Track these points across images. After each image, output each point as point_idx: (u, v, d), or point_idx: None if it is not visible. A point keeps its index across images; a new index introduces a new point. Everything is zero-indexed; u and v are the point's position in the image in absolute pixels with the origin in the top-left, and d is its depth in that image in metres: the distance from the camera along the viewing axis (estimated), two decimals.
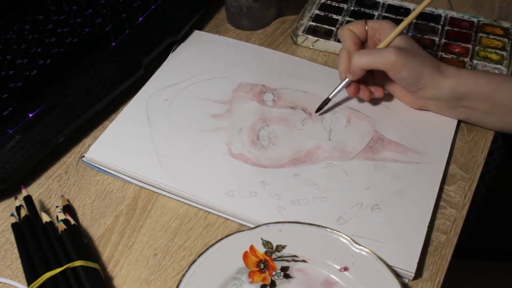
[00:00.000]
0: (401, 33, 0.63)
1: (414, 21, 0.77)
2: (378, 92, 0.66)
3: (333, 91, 0.65)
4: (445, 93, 0.62)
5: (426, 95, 0.63)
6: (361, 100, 0.68)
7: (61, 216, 0.54)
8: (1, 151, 0.60)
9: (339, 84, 0.65)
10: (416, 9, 0.63)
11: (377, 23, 0.65)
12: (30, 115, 0.63)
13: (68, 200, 0.59)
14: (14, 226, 0.54)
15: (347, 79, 0.64)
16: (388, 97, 0.68)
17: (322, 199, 0.58)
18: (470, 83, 0.61)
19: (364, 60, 0.62)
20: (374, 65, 0.62)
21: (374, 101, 0.67)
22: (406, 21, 0.63)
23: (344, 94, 0.68)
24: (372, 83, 0.66)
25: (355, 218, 0.56)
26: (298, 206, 0.57)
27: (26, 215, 0.55)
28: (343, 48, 0.65)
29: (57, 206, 0.57)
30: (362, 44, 0.66)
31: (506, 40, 0.74)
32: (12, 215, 0.56)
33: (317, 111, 0.66)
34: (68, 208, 0.57)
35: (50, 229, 0.54)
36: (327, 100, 0.65)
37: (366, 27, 0.65)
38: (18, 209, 0.55)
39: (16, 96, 0.65)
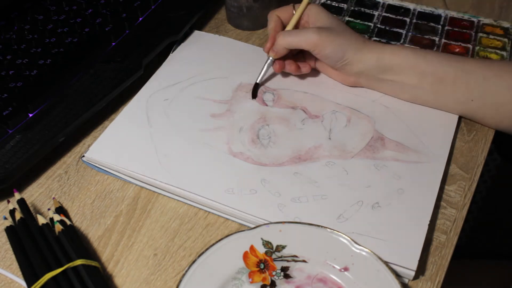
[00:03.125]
0: (324, 12, 0.66)
1: (414, 21, 0.77)
2: (305, 68, 0.68)
3: (259, 73, 0.68)
4: (371, 65, 0.63)
5: (353, 70, 0.64)
6: (359, 100, 0.67)
7: (57, 217, 0.55)
8: (1, 151, 0.60)
9: (264, 64, 0.68)
10: None
11: (304, 8, 0.67)
12: (30, 115, 0.63)
13: (59, 202, 0.59)
14: (9, 229, 0.54)
15: (270, 59, 0.67)
16: (388, 96, 0.68)
17: (323, 196, 0.58)
18: (395, 55, 0.62)
19: (287, 40, 0.65)
20: (298, 44, 0.64)
21: (374, 101, 0.67)
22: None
23: (344, 94, 0.68)
24: (301, 61, 0.69)
25: (356, 216, 0.56)
26: (298, 203, 0.57)
27: (21, 217, 0.55)
28: (271, 26, 0.68)
29: (49, 209, 0.57)
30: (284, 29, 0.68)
31: (506, 40, 0.74)
32: (4, 218, 0.55)
33: (252, 98, 0.68)
34: (60, 210, 0.57)
35: (47, 231, 0.54)
36: (256, 85, 0.68)
37: (294, 11, 0.67)
38: (12, 212, 0.55)
39: (16, 96, 0.65)
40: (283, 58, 0.68)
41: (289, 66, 0.68)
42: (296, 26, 0.68)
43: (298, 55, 0.69)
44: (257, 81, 0.68)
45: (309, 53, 0.67)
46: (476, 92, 0.62)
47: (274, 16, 0.68)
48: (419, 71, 0.62)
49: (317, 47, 0.63)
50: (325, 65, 0.68)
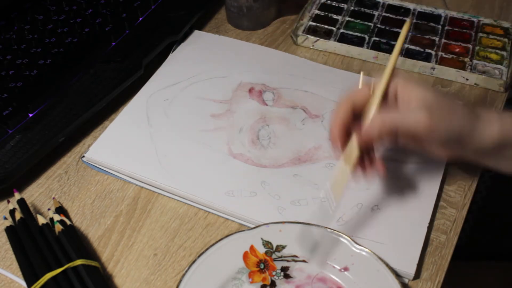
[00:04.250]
0: (416, 85, 0.51)
1: (414, 21, 0.77)
2: (380, 166, 0.53)
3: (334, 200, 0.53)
4: (491, 142, 0.50)
5: (468, 149, 0.51)
6: None
7: (57, 217, 0.55)
8: (1, 151, 0.60)
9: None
10: (396, 48, 0.53)
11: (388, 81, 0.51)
12: (30, 115, 0.63)
13: (59, 202, 0.59)
14: (9, 229, 0.54)
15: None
16: None
17: (322, 199, 0.58)
18: None
19: (392, 122, 0.49)
20: (403, 128, 0.49)
21: None
22: (392, 59, 0.52)
23: (341, 92, 0.68)
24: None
25: (355, 218, 0.56)
26: (298, 206, 0.57)
27: (21, 217, 0.55)
28: (336, 123, 0.52)
29: (49, 209, 0.57)
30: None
31: (506, 40, 0.74)
32: (4, 218, 0.56)
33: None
34: (60, 210, 0.57)
35: (47, 231, 0.54)
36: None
37: (371, 91, 0.52)
38: (12, 212, 0.55)
39: (16, 96, 0.65)
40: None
41: (380, 165, 0.53)
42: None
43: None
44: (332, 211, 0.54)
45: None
46: None
47: (347, 105, 0.51)
48: None
49: (428, 129, 0.49)
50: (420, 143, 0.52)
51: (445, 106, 0.50)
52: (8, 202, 0.57)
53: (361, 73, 0.54)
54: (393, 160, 0.61)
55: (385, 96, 0.51)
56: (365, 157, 0.52)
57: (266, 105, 0.68)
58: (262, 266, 0.53)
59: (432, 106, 0.49)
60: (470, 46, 0.74)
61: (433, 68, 0.71)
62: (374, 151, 0.53)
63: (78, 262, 0.51)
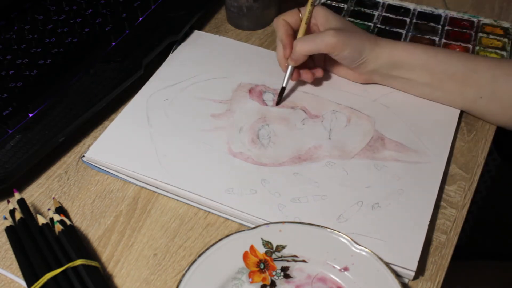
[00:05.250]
0: (332, 14, 0.66)
1: (414, 21, 0.77)
2: (318, 72, 0.68)
3: (284, 80, 0.67)
4: (383, 62, 0.64)
5: (368, 68, 0.65)
6: (359, 100, 0.67)
7: (57, 217, 0.55)
8: (1, 151, 0.60)
9: (286, 73, 0.67)
10: None
11: (311, 10, 0.67)
12: (30, 115, 0.63)
13: (59, 202, 0.59)
14: (9, 229, 0.54)
15: (290, 66, 0.67)
16: (388, 96, 0.68)
17: (323, 197, 0.58)
18: (406, 52, 0.63)
19: (306, 47, 0.64)
20: (317, 49, 0.64)
21: (374, 101, 0.67)
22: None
23: (344, 93, 0.68)
24: (311, 66, 0.69)
25: (356, 216, 0.56)
26: (298, 203, 0.57)
27: (21, 217, 0.55)
28: (277, 38, 0.67)
29: (49, 209, 0.57)
30: (295, 33, 0.67)
31: (506, 40, 0.74)
32: (4, 218, 0.56)
33: (277, 103, 0.67)
34: (60, 210, 0.57)
35: (47, 231, 0.54)
36: (283, 89, 0.67)
37: (300, 15, 0.67)
38: (12, 212, 0.55)
39: (16, 96, 0.65)
40: (298, 66, 0.67)
41: (306, 74, 0.68)
42: (307, 31, 0.67)
43: (307, 61, 0.68)
44: (283, 85, 0.67)
45: (318, 57, 0.68)
46: (485, 91, 0.62)
47: (281, 21, 0.67)
48: (429, 69, 0.63)
49: (336, 49, 0.63)
50: (337, 65, 0.68)
51: (349, 31, 0.65)
52: (8, 202, 0.57)
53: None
54: (394, 160, 0.61)
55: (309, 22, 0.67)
56: (307, 65, 0.68)
57: (266, 105, 0.68)
58: (262, 266, 0.53)
59: (340, 30, 0.64)
60: (470, 46, 0.74)
61: None
62: (308, 62, 0.68)
63: (78, 262, 0.51)
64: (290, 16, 0.67)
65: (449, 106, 0.66)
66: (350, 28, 0.65)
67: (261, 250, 0.54)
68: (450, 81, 0.63)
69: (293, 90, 0.69)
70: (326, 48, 0.64)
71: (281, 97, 0.67)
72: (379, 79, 0.67)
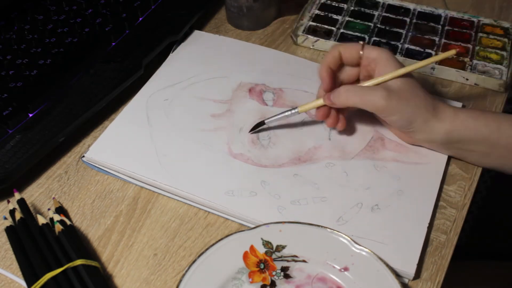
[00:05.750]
0: (395, 63, 0.59)
1: (414, 21, 0.77)
2: (341, 124, 0.62)
3: (273, 117, 0.63)
4: (439, 137, 0.59)
5: (417, 137, 0.60)
6: None
7: (57, 217, 0.55)
8: (1, 151, 0.60)
9: (285, 112, 0.62)
10: (426, 60, 0.60)
11: (375, 51, 0.60)
12: (30, 115, 0.63)
13: (59, 202, 0.59)
14: (9, 229, 0.54)
15: (296, 110, 0.62)
16: None
17: (322, 199, 0.58)
18: (467, 127, 0.58)
19: (352, 99, 0.59)
20: (363, 106, 0.59)
21: None
22: (410, 67, 0.59)
23: None
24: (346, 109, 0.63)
25: (355, 218, 0.56)
26: (298, 206, 0.57)
27: (21, 217, 0.55)
28: (324, 64, 0.61)
29: (49, 209, 0.57)
30: (353, 68, 0.62)
31: (506, 40, 0.74)
32: (4, 218, 0.56)
33: (251, 131, 0.64)
34: (60, 210, 0.57)
35: (47, 231, 0.54)
36: (261, 123, 0.63)
37: (361, 52, 0.60)
38: (12, 212, 0.55)
39: (16, 96, 0.65)
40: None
41: (332, 119, 0.62)
42: (357, 64, 0.61)
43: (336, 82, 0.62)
44: (265, 121, 0.63)
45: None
46: None
47: (336, 52, 0.60)
48: (490, 143, 0.58)
49: (383, 113, 0.58)
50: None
51: (405, 94, 0.58)
52: (8, 202, 0.57)
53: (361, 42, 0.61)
54: (394, 161, 0.61)
55: (365, 59, 0.60)
56: (332, 109, 0.62)
57: (266, 105, 0.68)
58: (262, 266, 0.53)
59: (393, 90, 0.57)
60: (470, 46, 0.74)
61: (433, 68, 0.71)
62: (339, 111, 0.62)
63: (78, 262, 0.51)
64: (349, 49, 0.60)
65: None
66: (409, 90, 0.58)
67: (261, 250, 0.54)
68: (511, 154, 0.58)
69: (293, 89, 0.69)
70: (373, 109, 0.58)
71: (255, 129, 0.64)
72: (429, 146, 0.61)
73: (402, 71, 0.58)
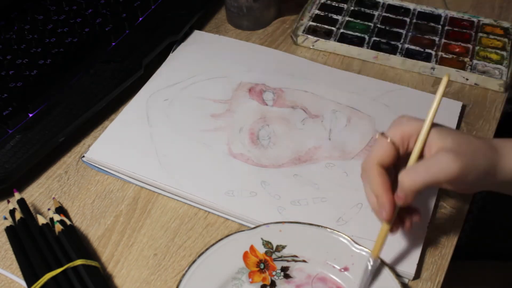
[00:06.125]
0: (432, 126, 0.49)
1: (414, 21, 0.77)
2: (416, 217, 0.51)
3: (362, 283, 0.51)
4: (508, 177, 0.49)
5: (492, 183, 0.50)
6: (360, 99, 0.67)
7: (57, 217, 0.55)
8: (1, 151, 0.60)
9: (367, 273, 0.51)
10: (436, 98, 0.50)
11: (397, 130, 0.49)
12: (30, 115, 0.63)
13: (59, 202, 0.59)
14: (9, 229, 0.54)
15: (371, 263, 0.51)
16: (388, 95, 0.67)
17: (322, 199, 0.58)
18: None
19: (420, 180, 0.47)
20: (434, 182, 0.47)
21: (375, 100, 0.67)
22: (431, 113, 0.49)
23: (344, 93, 0.68)
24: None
25: (355, 218, 0.56)
26: (298, 206, 0.57)
27: (21, 217, 0.55)
28: (369, 188, 0.50)
29: (49, 209, 0.57)
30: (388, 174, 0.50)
31: (506, 40, 0.74)
32: (4, 218, 0.56)
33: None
34: (60, 210, 0.57)
35: (47, 231, 0.54)
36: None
37: (389, 140, 0.49)
38: (12, 212, 0.55)
39: (16, 96, 0.65)
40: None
41: (417, 217, 0.51)
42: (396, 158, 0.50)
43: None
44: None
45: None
46: None
47: (377, 170, 0.49)
48: None
49: (459, 178, 0.46)
50: None
51: (467, 149, 0.47)
52: (8, 202, 0.57)
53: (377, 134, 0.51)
54: None
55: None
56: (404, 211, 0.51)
57: (266, 105, 0.68)
58: (262, 266, 0.53)
59: (456, 151, 0.47)
60: (470, 46, 0.74)
61: (433, 68, 0.71)
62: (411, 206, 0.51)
63: (78, 262, 0.51)
64: (382, 154, 0.49)
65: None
66: (462, 141, 0.48)
67: (261, 250, 0.54)
68: None
69: (293, 89, 0.69)
70: (446, 178, 0.46)
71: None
72: (502, 190, 0.52)
73: (427, 127, 0.49)
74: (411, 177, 0.47)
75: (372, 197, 0.49)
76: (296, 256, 0.53)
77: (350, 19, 0.78)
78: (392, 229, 0.50)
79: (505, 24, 0.76)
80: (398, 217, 0.50)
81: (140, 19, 0.75)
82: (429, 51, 0.73)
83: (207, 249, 0.53)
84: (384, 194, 0.48)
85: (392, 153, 0.49)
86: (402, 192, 0.48)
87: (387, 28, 0.77)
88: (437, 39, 0.75)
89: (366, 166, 0.49)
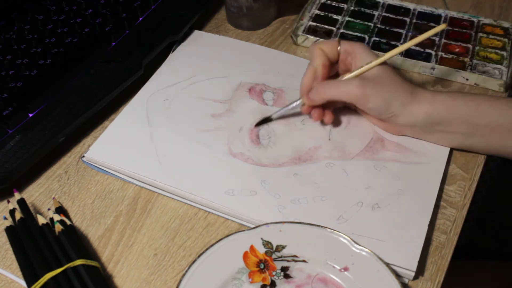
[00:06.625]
0: (370, 54, 0.61)
1: (414, 21, 0.77)
2: (328, 117, 0.63)
3: (279, 111, 0.65)
4: (419, 120, 0.59)
5: (399, 122, 0.60)
6: None
7: (57, 217, 0.55)
8: (1, 151, 0.60)
9: (289, 105, 0.64)
10: (399, 47, 0.62)
11: (351, 46, 0.62)
12: (30, 115, 0.63)
13: (59, 202, 0.59)
14: (9, 229, 0.54)
15: (298, 101, 0.64)
16: None
17: (322, 198, 0.58)
18: (446, 107, 0.58)
19: (328, 93, 0.60)
20: (339, 98, 0.60)
21: None
22: (383, 57, 0.60)
23: None
24: (331, 104, 0.64)
25: (356, 217, 0.56)
26: (298, 205, 0.57)
27: (21, 217, 0.55)
28: (310, 65, 0.63)
29: (49, 209, 0.57)
30: (332, 65, 0.63)
31: (506, 40, 0.74)
32: (4, 218, 0.56)
33: (256, 125, 0.65)
34: (60, 210, 0.57)
35: (47, 231, 0.54)
36: (268, 119, 0.65)
37: (339, 48, 0.63)
38: (12, 212, 0.55)
39: (16, 96, 0.65)
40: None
41: (315, 113, 0.63)
42: (334, 62, 0.63)
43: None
44: (272, 117, 0.65)
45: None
46: None
47: (318, 51, 0.62)
48: (470, 122, 0.58)
49: (360, 101, 0.60)
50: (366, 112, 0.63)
51: (380, 80, 0.59)
52: (8, 202, 0.57)
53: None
54: (393, 161, 0.61)
55: (342, 54, 0.63)
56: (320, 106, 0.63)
57: (266, 104, 0.68)
58: (262, 266, 0.53)
59: (368, 79, 0.59)
60: (470, 46, 0.74)
61: (433, 68, 0.71)
62: (323, 107, 0.63)
63: (78, 262, 0.51)
64: (328, 46, 0.62)
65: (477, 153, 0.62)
66: (385, 77, 0.60)
67: (261, 250, 0.54)
68: (494, 133, 0.59)
69: (293, 88, 0.69)
70: (348, 98, 0.60)
71: (261, 123, 0.65)
72: (412, 133, 0.62)
73: (377, 62, 0.60)
74: (324, 88, 0.61)
75: (308, 76, 0.62)
76: (296, 256, 0.53)
77: (350, 19, 0.78)
78: (306, 110, 0.63)
79: (505, 24, 0.76)
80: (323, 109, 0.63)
81: (140, 19, 0.75)
82: (429, 51, 0.73)
83: (207, 249, 0.53)
84: (322, 68, 0.62)
85: (334, 49, 0.62)
86: (313, 95, 0.61)
87: (387, 28, 0.77)
88: (437, 39, 0.75)
89: (311, 47, 0.63)
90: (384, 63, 0.60)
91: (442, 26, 0.61)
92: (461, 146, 0.62)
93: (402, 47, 0.62)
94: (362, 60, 0.61)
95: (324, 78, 0.62)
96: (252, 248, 0.54)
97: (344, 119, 0.66)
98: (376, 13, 0.79)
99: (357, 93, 0.59)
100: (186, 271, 0.51)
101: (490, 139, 0.59)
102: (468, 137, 0.60)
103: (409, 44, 0.61)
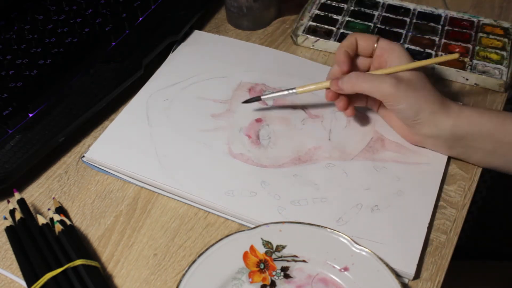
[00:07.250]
0: (407, 58, 0.60)
1: (414, 21, 0.77)
2: (350, 110, 0.62)
3: (270, 94, 0.65)
4: (445, 132, 0.58)
5: (423, 132, 0.59)
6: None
7: (57, 217, 0.55)
8: (1, 151, 0.60)
9: (283, 91, 0.64)
10: (437, 58, 0.62)
11: (389, 44, 0.61)
12: (30, 115, 0.63)
13: (59, 202, 0.59)
14: (9, 229, 0.54)
15: (292, 90, 0.63)
16: None
17: (322, 199, 0.58)
18: (472, 122, 0.57)
19: (360, 85, 0.59)
20: (371, 93, 0.59)
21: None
22: (422, 62, 0.60)
23: None
24: (356, 97, 0.63)
25: (355, 219, 0.56)
26: (298, 206, 0.57)
27: (21, 217, 0.55)
28: (341, 48, 0.62)
29: (49, 209, 0.57)
30: (355, 55, 0.63)
31: (506, 40, 0.74)
32: (4, 218, 0.56)
33: (244, 102, 0.66)
34: (60, 210, 0.57)
35: (47, 231, 0.54)
36: (258, 98, 0.65)
37: (376, 45, 0.62)
38: (12, 212, 0.55)
39: (16, 96, 0.65)
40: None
41: (341, 102, 0.62)
42: (370, 55, 0.63)
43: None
44: (261, 97, 0.65)
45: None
46: None
47: (353, 39, 0.62)
48: (495, 139, 0.57)
49: (391, 100, 0.58)
50: (392, 115, 0.62)
51: (413, 84, 0.58)
52: (8, 202, 0.57)
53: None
54: (393, 161, 0.61)
55: (377, 52, 0.62)
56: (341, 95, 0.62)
57: (266, 104, 0.68)
58: (262, 266, 0.53)
59: (402, 80, 0.58)
60: (470, 46, 0.74)
61: (433, 68, 0.71)
62: (348, 97, 0.62)
63: (78, 262, 0.51)
64: (365, 39, 0.62)
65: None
66: (418, 82, 0.59)
67: (261, 250, 0.54)
68: None
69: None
70: (380, 96, 0.59)
71: (250, 101, 0.65)
72: (433, 145, 0.61)
73: (413, 65, 0.59)
74: (358, 80, 0.59)
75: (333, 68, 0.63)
76: (296, 256, 0.53)
77: (350, 19, 0.78)
78: (331, 97, 0.62)
79: (505, 24, 0.76)
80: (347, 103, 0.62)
81: (140, 19, 0.75)
82: (429, 51, 0.73)
83: (207, 249, 0.53)
84: (340, 63, 0.61)
85: (370, 44, 0.62)
86: (343, 84, 0.60)
87: (387, 28, 0.77)
88: (437, 39, 0.75)
89: (351, 35, 0.63)
90: (418, 69, 0.60)
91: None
92: (479, 163, 0.61)
93: (438, 59, 0.63)
94: (397, 60, 0.60)
95: (346, 68, 0.61)
96: (252, 248, 0.54)
97: (344, 119, 0.66)
98: (376, 13, 0.79)
99: (391, 92, 0.58)
100: (186, 271, 0.51)
101: (511, 157, 0.58)
102: (488, 154, 0.59)
103: (443, 59, 0.62)
